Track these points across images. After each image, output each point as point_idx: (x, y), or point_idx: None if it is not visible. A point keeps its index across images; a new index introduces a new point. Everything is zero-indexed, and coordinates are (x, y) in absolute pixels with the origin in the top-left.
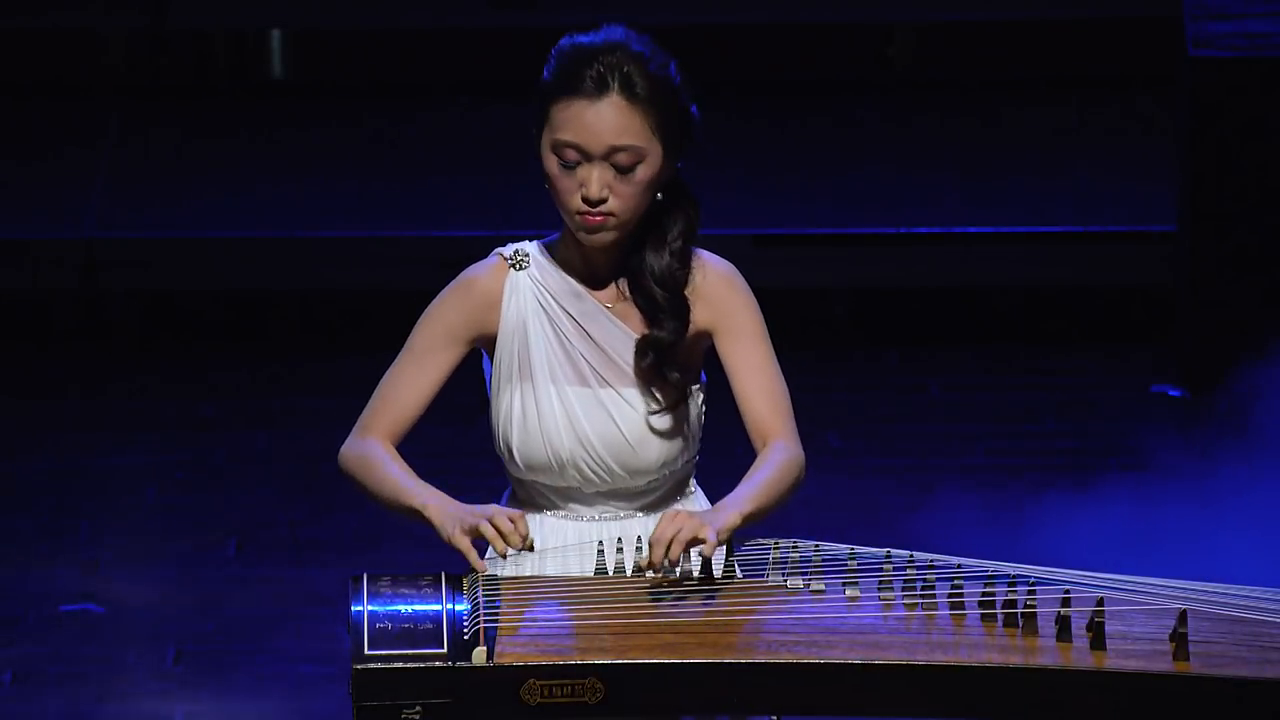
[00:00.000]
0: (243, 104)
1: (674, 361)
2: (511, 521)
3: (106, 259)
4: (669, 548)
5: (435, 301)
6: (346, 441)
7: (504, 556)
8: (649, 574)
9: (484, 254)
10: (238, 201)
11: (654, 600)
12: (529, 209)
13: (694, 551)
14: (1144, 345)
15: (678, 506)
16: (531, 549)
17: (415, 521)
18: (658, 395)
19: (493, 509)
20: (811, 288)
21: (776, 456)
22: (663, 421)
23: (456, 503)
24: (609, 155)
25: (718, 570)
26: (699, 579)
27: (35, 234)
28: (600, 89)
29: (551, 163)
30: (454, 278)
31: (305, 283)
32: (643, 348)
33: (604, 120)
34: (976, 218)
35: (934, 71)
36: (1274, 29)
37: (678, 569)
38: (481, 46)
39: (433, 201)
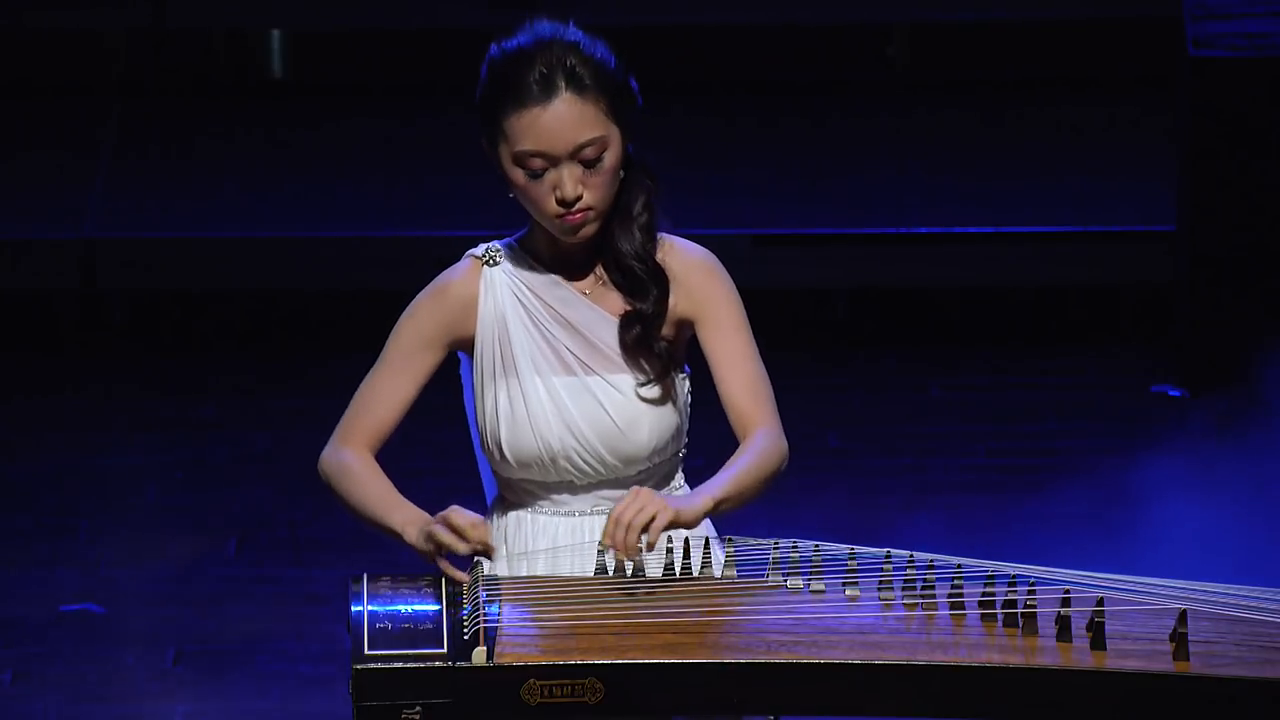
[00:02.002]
0: (243, 104)
1: (658, 332)
2: (470, 525)
3: (106, 259)
4: (628, 529)
5: (409, 308)
6: (325, 449)
7: (460, 554)
8: (609, 552)
9: None
10: (237, 201)
11: (654, 600)
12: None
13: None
14: (1144, 345)
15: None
16: (489, 556)
17: (393, 539)
18: (645, 366)
19: (450, 510)
20: (811, 288)
21: (758, 444)
22: (651, 393)
23: (426, 515)
24: (575, 153)
25: (717, 570)
26: (698, 578)
27: (35, 234)
28: (548, 91)
29: (518, 175)
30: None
31: (305, 283)
32: (628, 321)
33: (561, 121)
34: (976, 218)
35: (934, 71)
36: (1274, 29)
37: (642, 553)
38: (481, 46)
39: (433, 201)
